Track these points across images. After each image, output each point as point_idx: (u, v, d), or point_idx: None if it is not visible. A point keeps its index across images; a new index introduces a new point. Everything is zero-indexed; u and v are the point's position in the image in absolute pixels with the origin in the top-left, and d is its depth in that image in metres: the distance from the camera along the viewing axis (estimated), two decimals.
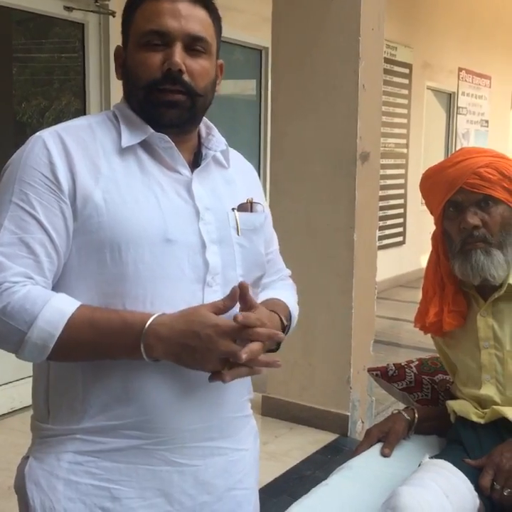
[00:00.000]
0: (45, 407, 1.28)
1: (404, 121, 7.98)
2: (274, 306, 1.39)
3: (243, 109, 6.00)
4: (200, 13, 1.29)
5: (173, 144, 1.26)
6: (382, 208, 7.08)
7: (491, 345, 1.82)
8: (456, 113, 9.39)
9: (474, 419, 1.82)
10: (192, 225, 1.25)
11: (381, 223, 7.26)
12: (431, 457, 1.75)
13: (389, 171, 7.63)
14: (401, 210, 8.11)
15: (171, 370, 1.20)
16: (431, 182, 1.86)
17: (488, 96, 10.25)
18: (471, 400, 1.87)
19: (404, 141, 8.02)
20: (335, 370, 3.82)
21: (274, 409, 4.02)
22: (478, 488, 1.66)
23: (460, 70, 9.33)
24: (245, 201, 1.35)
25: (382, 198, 7.17)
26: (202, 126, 1.38)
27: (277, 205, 3.96)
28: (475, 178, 1.75)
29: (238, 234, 1.31)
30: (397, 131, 7.80)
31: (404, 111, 7.96)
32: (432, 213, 1.89)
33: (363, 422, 3.85)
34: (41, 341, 1.14)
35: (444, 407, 1.97)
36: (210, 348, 1.13)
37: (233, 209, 1.32)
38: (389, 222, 7.84)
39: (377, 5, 3.72)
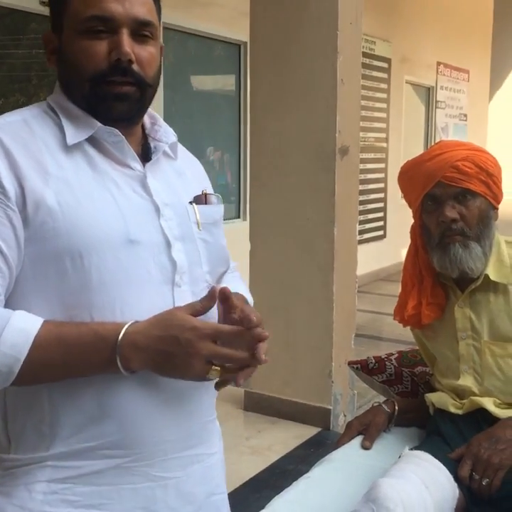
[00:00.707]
0: (4, 435, 1.14)
1: (384, 115, 8.01)
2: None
3: (223, 105, 5.99)
4: None
5: (123, 137, 1.16)
6: (362, 202, 7.11)
7: (469, 336, 1.84)
8: (435, 107, 9.44)
9: (452, 410, 1.84)
10: (153, 223, 1.16)
11: (362, 217, 7.28)
12: (411, 449, 1.76)
13: (369, 165, 7.65)
14: (381, 204, 8.14)
15: (148, 380, 1.12)
16: (409, 176, 1.87)
17: (466, 90, 10.31)
18: (450, 392, 1.89)
19: (383, 135, 8.05)
20: (316, 364, 3.83)
21: (256, 404, 4.03)
22: (457, 478, 1.67)
23: (438, 64, 9.38)
24: (200, 193, 1.28)
25: (363, 192, 7.20)
26: (145, 116, 1.28)
27: (258, 199, 3.97)
28: (453, 172, 1.76)
29: (199, 228, 1.23)
30: (376, 125, 7.83)
31: (384, 105, 7.98)
32: (410, 206, 1.90)
33: (345, 416, 3.86)
34: (6, 368, 1.03)
35: (423, 399, 1.99)
36: (190, 352, 1.05)
37: (191, 202, 1.24)
38: (370, 216, 7.87)
39: None
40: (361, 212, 6.92)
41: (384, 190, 8.07)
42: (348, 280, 3.89)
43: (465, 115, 10.35)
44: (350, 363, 2.28)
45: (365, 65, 6.86)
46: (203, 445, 1.25)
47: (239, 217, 6.05)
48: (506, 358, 1.79)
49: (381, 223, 8.21)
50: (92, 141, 1.15)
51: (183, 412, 1.18)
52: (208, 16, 5.34)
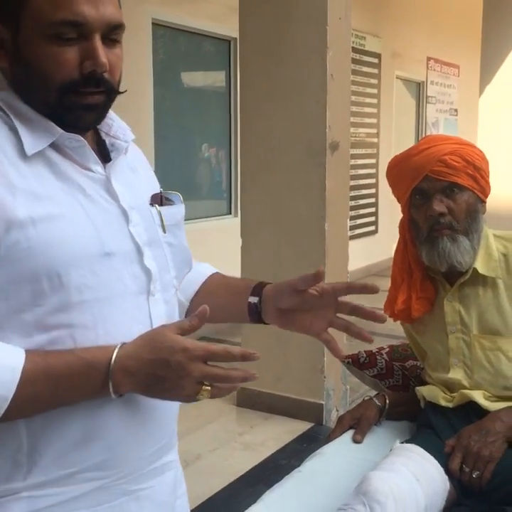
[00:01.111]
0: None
1: (375, 110, 8.01)
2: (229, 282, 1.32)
3: (213, 101, 5.98)
4: None
5: (85, 142, 1.07)
6: (354, 198, 7.12)
7: (458, 330, 1.85)
8: (426, 102, 9.45)
9: (443, 403, 1.85)
10: (123, 230, 1.08)
11: (353, 213, 7.30)
12: (402, 442, 1.77)
13: (360, 161, 7.66)
14: (373, 200, 8.16)
15: (132, 398, 1.07)
16: (397, 170, 1.88)
17: (456, 85, 10.33)
18: (440, 385, 1.89)
19: (374, 130, 8.06)
20: (309, 360, 3.83)
21: (249, 400, 4.03)
22: (448, 471, 1.68)
23: (429, 59, 9.39)
24: (158, 192, 1.20)
25: (354, 188, 7.21)
26: None
27: (248, 195, 3.97)
28: (440, 166, 1.77)
29: (164, 231, 1.16)
30: (367, 120, 7.83)
31: (374, 100, 7.99)
32: (398, 201, 1.91)
33: (337, 411, 3.87)
34: None
35: (414, 392, 1.99)
36: (181, 375, 1.01)
37: (152, 204, 1.16)
38: (361, 211, 7.89)
39: None
40: (353, 208, 6.93)
41: (375, 185, 8.09)
42: (340, 275, 3.90)
43: (455, 110, 10.37)
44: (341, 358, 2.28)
45: (355, 61, 6.87)
46: (171, 452, 1.22)
47: (230, 213, 6.05)
48: (495, 351, 1.80)
49: (373, 219, 8.23)
50: (51, 144, 1.05)
51: (159, 424, 1.15)
52: (198, 12, 5.33)
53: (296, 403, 3.88)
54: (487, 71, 7.03)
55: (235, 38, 5.16)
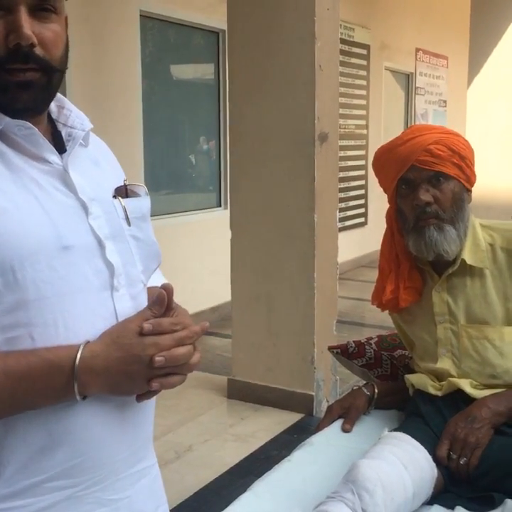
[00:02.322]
0: None
1: (364, 102, 8.02)
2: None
3: (202, 93, 5.96)
4: None
5: (35, 129, 1.01)
6: (343, 190, 7.13)
7: (446, 320, 1.86)
8: (415, 93, 9.46)
9: (432, 391, 1.86)
10: (83, 223, 1.03)
11: (343, 204, 7.31)
12: (390, 430, 1.78)
13: (349, 153, 7.66)
14: (362, 191, 8.17)
15: (99, 400, 1.03)
16: (383, 160, 1.88)
17: (445, 76, 10.35)
18: (429, 374, 1.91)
19: (363, 122, 8.06)
20: (299, 351, 3.85)
21: (239, 392, 4.04)
22: (436, 458, 1.70)
23: (417, 50, 9.40)
24: (122, 184, 1.15)
25: (344, 180, 7.22)
26: None
27: (238, 187, 3.97)
28: (426, 155, 1.77)
29: (129, 224, 1.10)
30: (356, 112, 7.84)
31: (363, 92, 7.99)
32: (385, 191, 1.91)
33: (327, 401, 3.89)
34: None
35: (403, 382, 2.01)
36: (153, 368, 0.99)
37: (115, 196, 1.11)
38: (351, 203, 7.90)
39: None
40: (342, 200, 6.94)
41: (365, 177, 8.10)
42: (329, 267, 3.91)
43: (444, 101, 10.39)
44: (330, 348, 2.29)
45: (344, 52, 6.87)
46: (147, 457, 1.16)
47: (220, 205, 6.05)
48: (482, 339, 1.81)
49: (362, 210, 8.24)
50: (1, 137, 1.00)
51: (130, 426, 1.09)
52: (186, 3, 5.31)
53: (286, 394, 3.89)
54: (475, 62, 7.05)
55: (224, 30, 5.15)
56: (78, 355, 0.96)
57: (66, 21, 1.07)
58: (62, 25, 1.04)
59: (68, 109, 1.13)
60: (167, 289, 1.04)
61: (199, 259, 5.55)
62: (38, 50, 0.98)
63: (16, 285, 0.95)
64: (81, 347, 0.97)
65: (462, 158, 1.80)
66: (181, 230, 5.34)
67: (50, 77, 1.02)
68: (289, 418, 3.81)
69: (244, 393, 4.03)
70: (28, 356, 0.95)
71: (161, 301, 1.03)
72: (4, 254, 0.94)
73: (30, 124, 1.01)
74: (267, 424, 3.75)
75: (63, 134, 1.10)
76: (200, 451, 3.44)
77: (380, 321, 5.02)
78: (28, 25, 0.96)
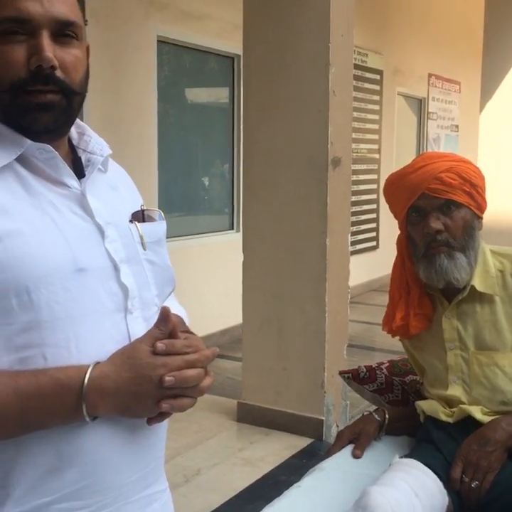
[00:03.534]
0: None
1: (376, 126, 8.05)
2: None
3: (216, 116, 6.01)
4: None
5: (56, 153, 1.03)
6: (355, 213, 7.14)
7: (457, 347, 1.85)
8: (427, 118, 9.49)
9: (443, 418, 1.86)
10: (99, 247, 1.05)
11: (354, 228, 7.31)
12: (401, 457, 1.77)
13: (361, 177, 7.69)
14: (374, 215, 8.17)
15: (109, 421, 1.03)
16: (393, 188, 1.89)
17: (457, 101, 10.38)
18: (440, 400, 1.90)
19: (376, 146, 8.09)
20: (309, 375, 3.83)
21: (249, 415, 4.03)
22: (447, 485, 1.69)
23: (430, 75, 9.44)
24: (138, 209, 1.17)
25: (355, 203, 7.23)
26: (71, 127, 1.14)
27: (250, 210, 3.99)
28: (436, 184, 1.78)
29: (144, 249, 1.12)
30: (368, 136, 7.87)
31: (376, 116, 8.03)
32: (396, 218, 1.92)
33: (337, 426, 3.87)
34: None
35: (414, 407, 2.00)
36: (163, 389, 1.00)
37: (131, 221, 1.13)
38: (362, 227, 7.90)
39: (346, 12, 3.77)
40: (354, 223, 6.95)
41: (376, 201, 8.11)
42: (341, 290, 3.91)
43: (456, 126, 10.42)
44: (341, 373, 2.29)
45: (357, 77, 6.91)
46: (158, 482, 1.16)
47: (232, 228, 6.07)
48: (492, 366, 1.81)
49: (374, 234, 8.24)
50: (20, 159, 1.03)
51: (141, 449, 1.09)
52: (202, 29, 5.38)
53: (296, 418, 3.88)
54: (488, 88, 7.07)
55: (239, 55, 5.21)
56: (87, 375, 0.97)
57: (88, 50, 1.11)
58: (83, 51, 1.07)
59: (88, 136, 1.16)
60: (169, 310, 1.04)
61: (210, 281, 5.56)
62: (59, 73, 1.02)
63: (31, 306, 0.96)
64: (90, 367, 0.98)
65: (473, 186, 1.80)
66: (194, 252, 5.36)
67: (70, 99, 1.05)
68: (298, 443, 3.79)
69: (253, 417, 4.01)
70: (38, 375, 0.96)
71: (165, 317, 1.04)
72: (20, 275, 0.96)
73: (51, 148, 1.03)
74: (277, 449, 3.73)
75: (83, 159, 1.12)
76: (209, 475, 3.42)
77: (391, 346, 5.00)
78: (50, 49, 1.00)
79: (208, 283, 5.53)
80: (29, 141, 1.02)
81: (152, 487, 1.13)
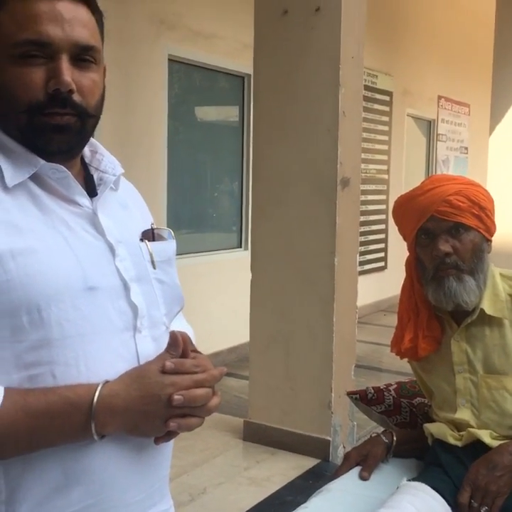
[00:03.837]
0: None
1: (385, 147, 8.07)
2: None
3: (226, 135, 6.05)
4: (83, 13, 1.04)
5: (68, 173, 1.05)
6: (363, 233, 7.14)
7: (465, 370, 1.84)
8: (436, 140, 9.51)
9: (452, 441, 1.84)
10: (109, 265, 1.06)
11: (363, 248, 7.31)
12: (409, 480, 1.76)
13: (370, 197, 7.69)
14: (383, 236, 8.17)
15: (117, 440, 1.03)
16: (402, 210, 1.89)
17: (467, 123, 10.40)
18: (448, 423, 1.88)
19: (385, 167, 8.11)
20: (316, 395, 3.82)
21: (255, 435, 4.01)
22: (455, 510, 1.67)
23: (440, 97, 9.47)
24: (148, 228, 1.18)
25: (364, 224, 7.24)
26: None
27: (259, 229, 4.00)
28: (445, 206, 1.78)
29: (154, 267, 1.13)
30: (378, 157, 7.89)
31: (385, 137, 8.05)
32: (405, 240, 1.92)
33: (344, 447, 3.84)
34: None
35: (422, 430, 1.99)
36: (171, 409, 1.00)
37: (141, 239, 1.14)
38: (371, 247, 7.90)
39: (356, 33, 3.79)
40: (362, 244, 6.94)
41: (385, 221, 8.11)
42: (349, 310, 3.90)
43: (466, 148, 10.43)
44: (349, 393, 2.28)
45: (367, 98, 6.94)
46: (163, 501, 1.16)
47: (240, 246, 6.08)
48: (501, 390, 1.80)
49: (382, 254, 8.23)
50: (34, 177, 1.04)
51: (147, 468, 1.09)
52: (213, 48, 5.43)
53: (302, 439, 3.85)
54: (497, 111, 7.08)
55: (249, 74, 5.24)
56: (96, 394, 0.98)
57: (104, 71, 1.12)
58: (100, 75, 1.09)
59: (101, 154, 1.17)
60: (179, 335, 1.06)
61: (218, 299, 5.56)
62: (76, 97, 1.03)
63: (41, 323, 0.97)
64: (100, 386, 0.99)
65: (482, 209, 1.80)
66: (201, 269, 5.36)
67: (85, 122, 1.06)
68: (304, 463, 3.77)
69: (260, 436, 3.99)
70: (47, 394, 0.97)
71: (175, 341, 1.05)
72: (31, 293, 0.96)
73: (64, 168, 1.04)
74: (283, 469, 3.70)
75: (95, 177, 1.13)
76: (215, 494, 3.40)
77: (398, 367, 4.98)
78: (68, 73, 1.01)
79: (216, 301, 5.53)
80: (42, 161, 1.03)
81: (157, 506, 1.13)
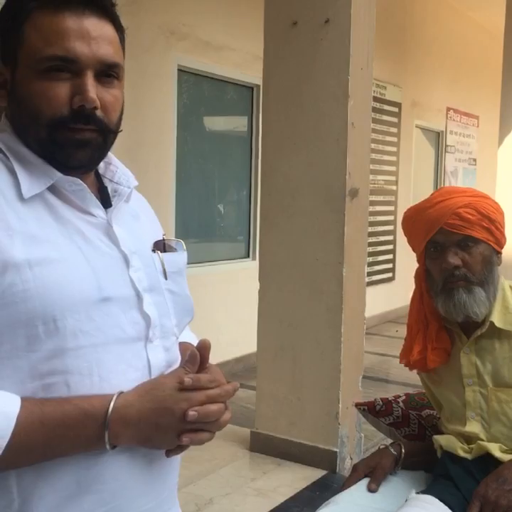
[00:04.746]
0: None
1: (394, 158, 8.08)
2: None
3: (234, 145, 6.06)
4: (109, 30, 1.06)
5: (85, 185, 1.06)
6: (372, 244, 7.14)
7: (475, 383, 1.84)
8: (445, 151, 9.51)
9: (461, 454, 1.83)
10: (123, 276, 1.06)
11: (371, 259, 7.30)
12: (417, 492, 1.75)
13: (379, 208, 7.69)
14: (391, 247, 8.16)
15: (128, 450, 1.04)
16: (412, 222, 1.89)
17: (475, 135, 10.40)
18: (457, 436, 1.87)
19: (393, 178, 8.11)
20: (323, 406, 3.81)
21: (262, 445, 3.99)
22: None
23: (448, 109, 9.48)
24: (160, 238, 1.19)
25: (372, 234, 7.23)
26: None
27: (267, 239, 4.00)
28: (455, 219, 1.78)
29: (166, 278, 1.13)
30: (386, 168, 7.89)
31: (394, 148, 8.06)
32: (414, 251, 1.92)
33: (351, 459, 3.83)
34: None
35: (431, 442, 1.98)
36: (183, 424, 1.02)
37: (154, 250, 1.15)
38: (379, 258, 7.89)
39: (366, 45, 3.80)
40: (370, 254, 6.94)
41: (393, 232, 8.11)
42: (357, 321, 3.89)
43: (474, 160, 10.43)
44: (357, 405, 2.27)
45: (375, 109, 6.96)
46: (172, 509, 1.17)
47: (248, 256, 6.08)
48: (511, 403, 1.78)
49: (390, 265, 8.22)
50: (50, 187, 1.05)
51: (157, 477, 1.10)
52: (222, 59, 5.45)
53: (309, 450, 3.84)
54: (506, 122, 7.08)
55: (258, 85, 5.26)
56: (111, 405, 0.98)
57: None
58: (121, 90, 1.11)
59: (115, 166, 1.19)
60: (204, 347, 1.08)
61: (225, 308, 5.56)
62: (99, 113, 1.05)
63: (56, 333, 0.98)
64: (114, 397, 0.99)
65: (492, 222, 1.79)
66: (209, 279, 5.37)
67: (106, 138, 1.08)
68: (311, 474, 3.75)
69: (267, 447, 3.98)
70: (63, 404, 0.97)
71: (194, 359, 1.06)
72: (47, 304, 0.97)
73: (81, 181, 1.06)
74: (290, 480, 3.69)
75: (109, 189, 1.15)
76: (221, 505, 3.39)
77: (406, 379, 4.96)
78: (93, 90, 1.03)
79: (223, 310, 5.53)
80: (59, 174, 1.04)
81: None
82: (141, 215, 1.21)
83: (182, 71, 5.19)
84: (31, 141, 1.05)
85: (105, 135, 1.07)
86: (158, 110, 4.97)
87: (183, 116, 5.29)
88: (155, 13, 4.85)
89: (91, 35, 1.03)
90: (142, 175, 4.80)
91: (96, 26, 1.03)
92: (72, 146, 1.04)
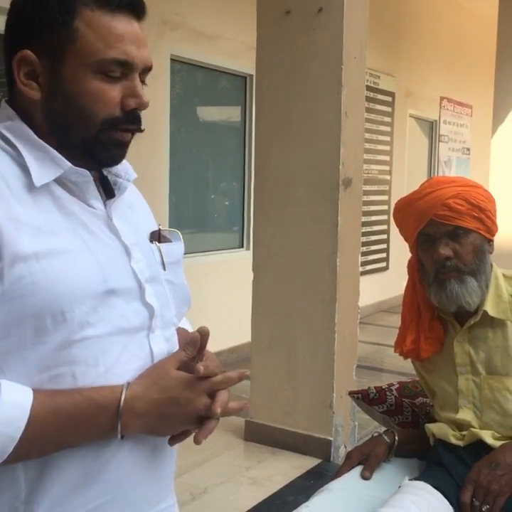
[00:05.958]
0: None
1: (388, 148, 8.07)
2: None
3: (228, 135, 6.05)
4: (144, 34, 1.10)
5: (91, 177, 1.07)
6: (365, 234, 7.15)
7: (468, 371, 1.85)
8: (438, 141, 9.52)
9: (453, 441, 1.85)
10: (125, 267, 1.07)
11: (365, 249, 7.31)
12: (411, 479, 1.76)
13: (372, 197, 7.70)
14: (384, 236, 8.18)
15: (134, 439, 1.06)
16: (402, 214, 1.89)
17: (469, 124, 10.40)
18: (450, 423, 1.89)
19: (387, 167, 8.11)
20: (318, 395, 3.82)
21: (257, 434, 4.01)
22: (457, 509, 1.67)
23: (442, 98, 9.48)
24: (156, 229, 1.19)
25: (366, 224, 7.24)
26: None
27: (261, 229, 4.00)
28: (444, 210, 1.77)
29: (164, 269, 1.14)
30: (380, 157, 7.89)
31: (387, 138, 8.05)
32: (406, 241, 1.92)
33: (345, 447, 3.84)
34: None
35: (424, 430, 1.99)
36: (189, 411, 1.04)
37: (152, 241, 1.16)
38: (373, 247, 7.90)
39: (359, 34, 3.80)
40: (364, 244, 6.95)
41: (387, 222, 8.11)
42: (351, 311, 3.90)
43: (468, 149, 10.43)
44: (350, 393, 2.28)
45: (369, 99, 6.95)
46: (169, 496, 1.19)
47: (242, 246, 6.08)
48: (503, 391, 1.80)
49: (384, 255, 8.24)
50: (56, 179, 1.04)
51: (158, 465, 1.12)
52: (215, 48, 5.43)
53: (304, 438, 3.86)
54: (499, 112, 7.09)
55: (251, 75, 5.25)
56: (123, 396, 1.00)
57: None
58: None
59: None
60: (203, 333, 1.09)
61: (220, 299, 5.57)
62: (140, 114, 1.10)
63: (64, 325, 0.98)
64: (124, 388, 1.01)
65: (482, 211, 1.79)
66: (203, 269, 5.37)
67: (134, 136, 1.12)
68: (306, 463, 3.77)
69: (261, 436, 3.99)
70: (75, 396, 0.99)
71: (194, 342, 1.08)
72: (55, 295, 0.97)
73: (88, 173, 1.06)
74: (284, 468, 3.70)
75: (110, 180, 1.15)
76: (216, 494, 3.41)
77: (400, 367, 4.98)
78: (144, 93, 1.09)
79: (217, 300, 5.53)
80: (68, 164, 1.04)
81: (165, 501, 1.16)
82: (135, 205, 1.21)
83: (175, 61, 5.17)
84: (74, 138, 1.06)
85: (134, 134, 1.11)
86: (151, 100, 4.87)
87: (176, 106, 5.27)
88: (148, 2, 4.81)
89: (140, 39, 1.06)
90: (135, 165, 4.75)
91: (140, 30, 1.08)
92: (114, 146, 1.08)
